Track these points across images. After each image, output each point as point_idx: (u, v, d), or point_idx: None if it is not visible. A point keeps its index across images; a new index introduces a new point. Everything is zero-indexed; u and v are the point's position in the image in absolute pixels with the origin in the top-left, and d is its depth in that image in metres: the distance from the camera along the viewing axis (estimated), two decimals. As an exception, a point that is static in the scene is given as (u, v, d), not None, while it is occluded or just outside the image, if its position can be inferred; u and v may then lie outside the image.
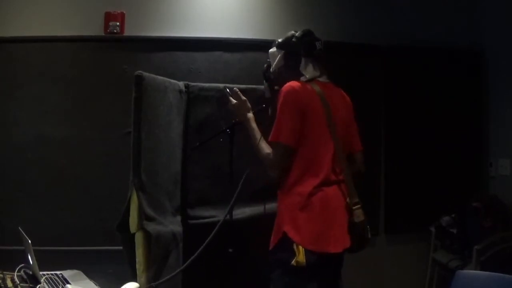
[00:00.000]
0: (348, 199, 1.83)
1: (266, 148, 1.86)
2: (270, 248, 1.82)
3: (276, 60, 1.96)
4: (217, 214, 2.44)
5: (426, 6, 3.33)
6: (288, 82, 1.85)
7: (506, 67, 3.25)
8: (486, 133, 3.38)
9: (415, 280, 3.22)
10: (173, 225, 2.30)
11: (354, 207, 1.82)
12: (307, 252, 1.71)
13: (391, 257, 3.24)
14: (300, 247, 1.72)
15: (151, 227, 2.09)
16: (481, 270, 2.49)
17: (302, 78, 1.87)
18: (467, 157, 3.32)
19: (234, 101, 2.06)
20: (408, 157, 3.24)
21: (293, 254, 1.72)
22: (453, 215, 3.05)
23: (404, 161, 3.24)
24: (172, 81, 2.48)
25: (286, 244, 1.75)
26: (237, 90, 2.08)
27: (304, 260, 1.71)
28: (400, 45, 3.26)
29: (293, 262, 1.71)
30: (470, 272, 1.85)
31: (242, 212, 2.45)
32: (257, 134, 1.93)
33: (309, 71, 1.89)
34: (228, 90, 2.13)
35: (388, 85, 3.25)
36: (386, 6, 3.29)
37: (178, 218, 2.43)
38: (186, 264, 2.04)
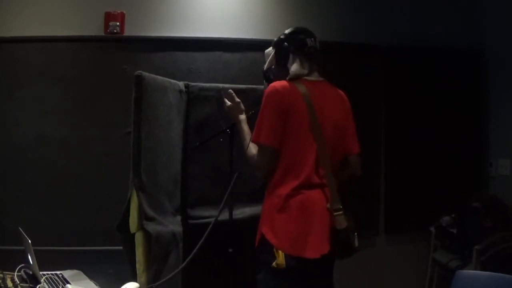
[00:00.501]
0: (328, 204, 1.77)
1: (253, 149, 1.85)
2: (255, 247, 1.81)
3: (269, 59, 1.96)
4: (217, 214, 2.44)
5: (426, 6, 3.33)
6: (278, 80, 1.83)
7: (506, 67, 3.25)
8: (486, 133, 3.38)
9: (415, 280, 3.22)
10: (173, 225, 2.30)
11: (335, 213, 1.74)
12: (286, 255, 1.70)
13: (391, 257, 3.24)
14: (280, 251, 1.70)
15: (151, 227, 2.10)
16: (481, 270, 2.49)
17: (288, 77, 1.84)
18: (467, 157, 3.32)
19: (229, 102, 2.07)
20: (408, 157, 3.24)
21: (273, 256, 1.70)
22: (453, 215, 3.05)
23: (404, 161, 3.24)
24: (172, 81, 2.49)
25: (266, 246, 1.74)
26: (232, 92, 2.08)
27: (284, 263, 1.69)
28: (400, 45, 3.26)
29: (273, 264, 1.70)
30: (470, 272, 1.85)
31: (242, 212, 2.45)
32: (247, 135, 1.93)
33: (294, 68, 1.85)
34: (222, 92, 2.14)
35: (388, 85, 3.25)
36: (386, 6, 3.29)
37: (178, 218, 2.43)
38: (182, 265, 2.03)
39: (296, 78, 1.84)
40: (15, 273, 1.64)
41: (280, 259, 1.69)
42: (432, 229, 3.14)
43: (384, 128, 3.24)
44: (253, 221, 2.32)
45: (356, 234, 1.79)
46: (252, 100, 2.13)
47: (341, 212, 1.75)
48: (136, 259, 2.09)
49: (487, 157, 3.36)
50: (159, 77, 2.36)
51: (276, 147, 1.77)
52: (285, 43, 1.88)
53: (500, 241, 2.71)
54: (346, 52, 3.13)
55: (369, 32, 3.22)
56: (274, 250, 1.71)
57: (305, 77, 1.86)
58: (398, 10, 3.30)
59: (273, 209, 1.76)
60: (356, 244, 1.78)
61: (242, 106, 2.06)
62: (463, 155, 3.30)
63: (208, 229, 1.99)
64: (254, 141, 1.82)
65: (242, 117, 2.03)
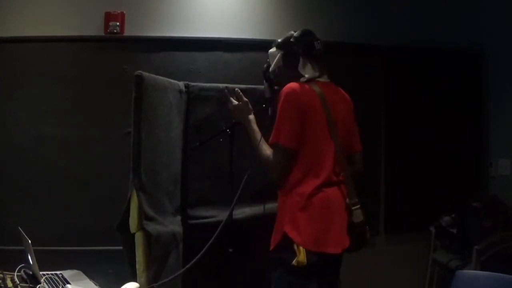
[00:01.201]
0: (347, 200, 1.83)
1: (266, 150, 1.86)
2: (271, 248, 1.82)
3: (275, 60, 1.96)
4: (217, 214, 2.44)
5: (426, 6, 3.33)
6: (287, 82, 1.85)
7: (506, 67, 3.25)
8: (486, 133, 3.38)
9: (415, 280, 3.22)
10: (173, 225, 2.30)
11: (353, 207, 1.82)
12: (308, 252, 1.72)
13: (391, 257, 3.24)
14: (301, 248, 1.72)
15: (151, 227, 2.09)
16: (481, 270, 2.49)
17: (302, 79, 1.87)
18: (467, 157, 3.32)
19: (235, 101, 2.06)
20: (408, 157, 3.24)
21: (294, 254, 1.72)
22: (453, 215, 3.05)
23: (404, 161, 3.24)
24: (172, 81, 2.48)
25: (287, 244, 1.75)
26: (239, 91, 2.08)
27: (305, 260, 1.71)
28: (400, 45, 3.26)
29: (294, 262, 1.71)
30: (470, 272, 1.85)
31: (242, 212, 2.45)
32: (258, 136, 1.93)
33: (308, 71, 1.88)
34: (227, 90, 2.13)
35: (388, 85, 3.25)
36: (386, 6, 3.29)
37: (178, 218, 2.43)
38: (187, 267, 2.02)
39: (311, 80, 1.87)
40: (15, 273, 1.64)
41: (302, 256, 1.71)
42: (432, 229, 3.14)
43: (384, 128, 3.25)
44: (253, 221, 2.33)
45: (367, 227, 1.87)
46: (252, 100, 2.12)
47: (358, 206, 1.83)
48: (136, 259, 2.09)
49: (487, 157, 3.36)
50: (159, 77, 2.36)
51: (295, 148, 1.79)
52: (295, 46, 1.89)
53: (500, 241, 2.71)
54: (346, 52, 3.13)
55: (369, 32, 3.23)
56: (295, 247, 1.72)
57: (318, 79, 1.89)
58: (398, 10, 3.30)
59: (295, 208, 1.78)
60: (369, 236, 1.87)
61: (250, 106, 2.05)
62: (463, 155, 3.30)
63: (217, 231, 1.95)
64: (273, 142, 1.82)
65: (251, 117, 2.02)
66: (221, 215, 2.12)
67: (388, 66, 3.25)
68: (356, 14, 3.24)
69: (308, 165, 1.80)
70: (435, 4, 3.34)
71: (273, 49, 1.98)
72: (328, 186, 1.81)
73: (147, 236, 2.09)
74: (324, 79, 1.92)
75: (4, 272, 1.66)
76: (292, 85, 1.82)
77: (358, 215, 1.82)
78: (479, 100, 3.38)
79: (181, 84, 2.56)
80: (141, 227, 2.10)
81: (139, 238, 2.10)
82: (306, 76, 1.87)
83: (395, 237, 3.26)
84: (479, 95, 3.39)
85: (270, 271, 1.82)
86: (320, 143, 1.82)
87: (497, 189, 3.21)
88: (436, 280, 3.13)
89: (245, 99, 2.06)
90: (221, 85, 2.58)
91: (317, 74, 1.89)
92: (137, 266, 2.08)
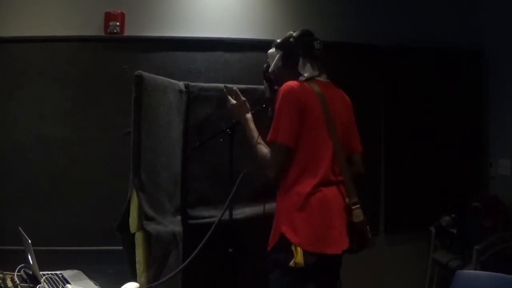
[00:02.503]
0: (347, 199, 1.81)
1: (264, 148, 1.86)
2: (269, 248, 1.81)
3: (274, 61, 1.96)
4: (217, 214, 2.42)
5: (426, 6, 3.33)
6: (284, 82, 1.84)
7: (506, 67, 3.25)
8: (486, 133, 3.38)
9: (415, 280, 3.22)
10: (173, 225, 2.30)
11: (353, 207, 1.79)
12: (305, 253, 1.70)
13: (391, 257, 3.24)
14: (299, 248, 1.70)
15: (151, 227, 2.10)
16: (481, 270, 2.49)
17: (301, 78, 1.86)
18: (467, 157, 3.32)
19: (233, 101, 2.07)
20: (408, 157, 3.24)
21: (291, 255, 1.70)
22: (453, 215, 3.05)
23: (404, 161, 3.24)
24: (172, 81, 2.49)
25: (284, 245, 1.73)
26: (237, 90, 2.08)
27: (303, 261, 1.69)
28: (400, 45, 3.26)
29: (291, 263, 1.69)
30: (470, 272, 1.85)
31: (242, 212, 2.45)
32: (255, 134, 1.93)
33: (307, 70, 1.87)
34: (226, 89, 2.13)
35: (388, 85, 3.25)
36: (386, 6, 3.29)
37: (178, 218, 2.43)
38: (182, 265, 2.03)
39: (309, 79, 1.87)
40: (15, 273, 1.65)
41: (299, 257, 1.69)
42: (432, 229, 3.14)
43: (384, 128, 3.25)
44: (253, 221, 2.33)
45: (368, 227, 1.83)
46: (252, 100, 2.12)
47: (358, 206, 1.79)
48: (136, 259, 2.09)
49: (487, 157, 3.36)
50: (159, 77, 2.36)
51: (293, 146, 1.78)
52: (294, 46, 1.89)
53: (500, 241, 2.71)
54: (346, 52, 3.13)
55: (369, 32, 3.23)
56: (293, 248, 1.70)
57: (317, 78, 1.89)
58: (398, 10, 3.30)
59: (293, 208, 1.76)
60: (370, 236, 1.83)
61: (248, 105, 2.06)
62: (463, 155, 3.30)
63: (211, 230, 1.98)
64: (271, 140, 1.81)
65: (249, 115, 2.03)
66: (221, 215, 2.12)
67: (388, 66, 3.25)
68: (356, 14, 3.24)
69: (305, 164, 1.79)
70: (435, 4, 3.34)
71: (272, 50, 1.98)
72: (326, 185, 1.79)
73: (147, 236, 2.09)
74: (323, 78, 1.91)
75: (4, 272, 1.66)
76: (291, 83, 1.82)
77: (358, 215, 1.79)
78: (479, 100, 3.38)
79: (181, 84, 2.56)
80: (141, 227, 2.10)
81: (139, 238, 2.10)
82: (305, 75, 1.87)
83: (395, 237, 3.26)
84: (479, 95, 3.39)
85: (268, 272, 1.80)
86: (317, 142, 1.80)
87: (497, 189, 3.21)
88: (436, 280, 3.13)
89: (242, 98, 2.06)
90: (221, 85, 2.58)
91: (316, 73, 1.89)
92: (137, 266, 2.08)
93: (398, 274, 3.23)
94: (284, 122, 1.78)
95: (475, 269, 2.57)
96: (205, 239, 1.96)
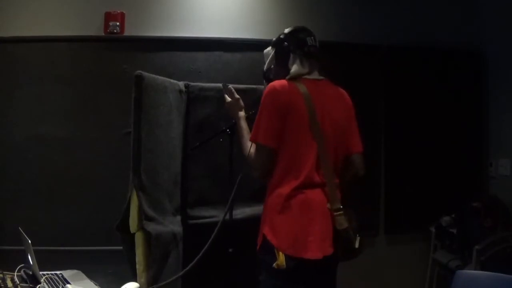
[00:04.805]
0: (328, 205, 1.74)
1: (251, 148, 1.83)
2: (257, 249, 1.79)
3: (269, 59, 1.96)
4: (217, 214, 2.44)
5: (426, 6, 3.33)
6: (279, 79, 1.82)
7: (506, 67, 3.24)
8: (486, 133, 3.37)
9: (415, 280, 3.22)
10: (173, 225, 2.30)
11: (335, 213, 1.72)
12: (286, 256, 1.67)
13: (391, 257, 3.24)
14: (280, 251, 1.68)
15: (151, 227, 2.10)
16: (481, 270, 2.49)
17: (287, 76, 1.82)
18: (467, 157, 3.32)
19: (229, 98, 2.07)
20: (408, 157, 3.24)
21: (274, 256, 1.68)
22: (453, 215, 3.05)
23: (404, 161, 3.24)
24: (172, 81, 2.49)
25: (268, 247, 1.71)
26: (231, 88, 2.08)
27: (284, 264, 1.67)
28: (400, 45, 3.26)
29: (274, 264, 1.67)
30: (470, 272, 1.85)
31: (242, 212, 2.45)
32: (245, 132, 1.93)
33: (294, 67, 1.83)
34: (223, 87, 2.14)
35: (388, 85, 3.25)
36: (386, 6, 3.29)
37: (178, 218, 2.43)
38: (185, 270, 2.02)
39: (296, 77, 1.82)
40: (15, 273, 1.65)
41: (281, 259, 1.67)
42: (432, 229, 3.14)
43: (384, 128, 3.24)
44: (253, 221, 2.32)
45: (358, 235, 1.75)
46: (252, 100, 2.13)
47: (341, 212, 1.73)
48: (136, 259, 2.09)
49: (487, 157, 3.35)
50: (159, 77, 2.36)
51: (274, 147, 1.75)
52: (285, 43, 1.86)
53: (500, 241, 2.71)
54: (346, 52, 3.13)
55: (369, 32, 3.22)
56: (275, 250, 1.68)
57: (305, 76, 1.84)
58: (398, 10, 3.30)
59: (274, 210, 1.74)
60: (357, 245, 1.73)
61: (242, 103, 2.05)
62: (463, 155, 3.30)
63: (214, 232, 1.96)
64: (252, 140, 1.81)
65: (241, 113, 2.03)
66: (221, 215, 2.12)
67: (388, 66, 3.25)
68: (356, 14, 3.24)
69: (287, 165, 1.75)
70: (435, 5, 3.34)
71: (268, 49, 1.98)
72: (310, 187, 1.74)
73: (147, 236, 2.09)
74: (314, 76, 1.86)
75: (4, 272, 1.66)
76: (275, 83, 1.79)
77: (341, 222, 1.71)
78: (479, 100, 3.38)
79: (181, 84, 2.56)
80: (141, 227, 2.10)
81: (139, 238, 2.10)
82: (291, 72, 1.82)
83: (395, 237, 3.25)
84: (479, 95, 3.38)
85: (257, 273, 1.79)
86: (300, 143, 1.75)
87: (497, 189, 3.21)
88: (436, 280, 3.13)
89: (236, 96, 2.06)
90: (220, 85, 2.58)
91: (305, 70, 1.84)
92: (137, 266, 2.08)
93: (398, 274, 3.23)
94: (264, 123, 1.76)
95: (475, 269, 2.57)
96: (208, 242, 1.94)
